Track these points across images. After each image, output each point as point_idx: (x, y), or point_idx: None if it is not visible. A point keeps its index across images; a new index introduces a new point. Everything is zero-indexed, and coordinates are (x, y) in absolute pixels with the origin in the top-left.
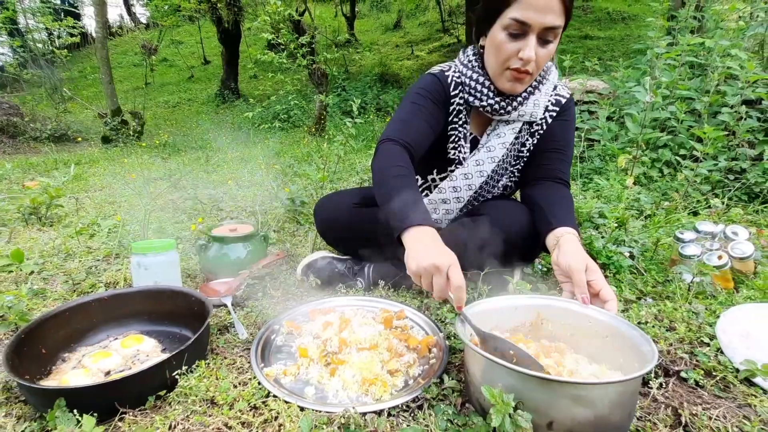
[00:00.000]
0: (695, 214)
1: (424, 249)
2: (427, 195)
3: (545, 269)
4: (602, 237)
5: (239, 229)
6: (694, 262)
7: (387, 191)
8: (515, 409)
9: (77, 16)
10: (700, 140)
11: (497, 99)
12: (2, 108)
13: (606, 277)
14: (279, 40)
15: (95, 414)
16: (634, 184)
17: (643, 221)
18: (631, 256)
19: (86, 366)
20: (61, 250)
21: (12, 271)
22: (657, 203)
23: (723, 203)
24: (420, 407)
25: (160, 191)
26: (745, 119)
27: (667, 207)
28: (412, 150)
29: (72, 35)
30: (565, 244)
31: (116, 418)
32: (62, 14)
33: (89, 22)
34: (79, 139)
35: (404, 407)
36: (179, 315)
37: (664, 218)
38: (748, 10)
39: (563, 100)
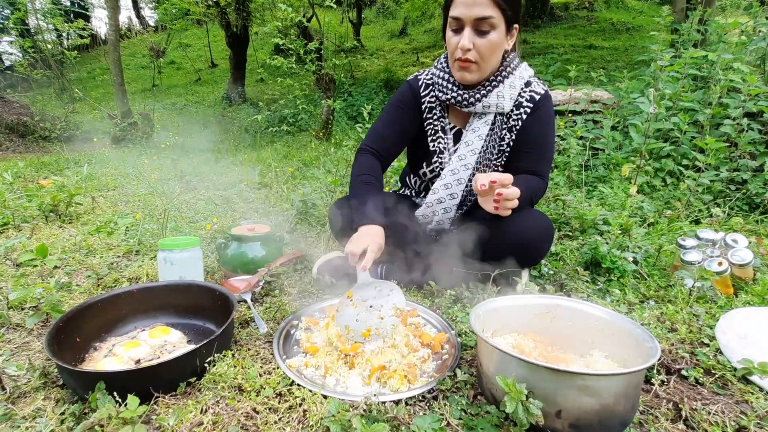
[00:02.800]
0: (697, 222)
1: (356, 237)
2: (423, 196)
3: (552, 271)
4: (606, 243)
5: (257, 229)
6: (695, 267)
7: (355, 193)
8: (527, 397)
9: (87, 18)
10: (702, 151)
11: (460, 92)
12: (13, 107)
13: (610, 281)
14: (288, 45)
15: (135, 396)
16: (638, 192)
17: (646, 229)
18: (635, 262)
19: (118, 354)
20: (82, 246)
21: (36, 266)
22: (660, 211)
23: (724, 213)
24: (435, 398)
25: (175, 191)
26: (747, 131)
27: (670, 215)
28: (383, 156)
29: (82, 37)
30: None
31: (152, 402)
32: (72, 16)
33: (99, 24)
34: (95, 139)
35: (420, 398)
36: (203, 309)
37: (666, 226)
38: (751, 24)
39: (537, 97)
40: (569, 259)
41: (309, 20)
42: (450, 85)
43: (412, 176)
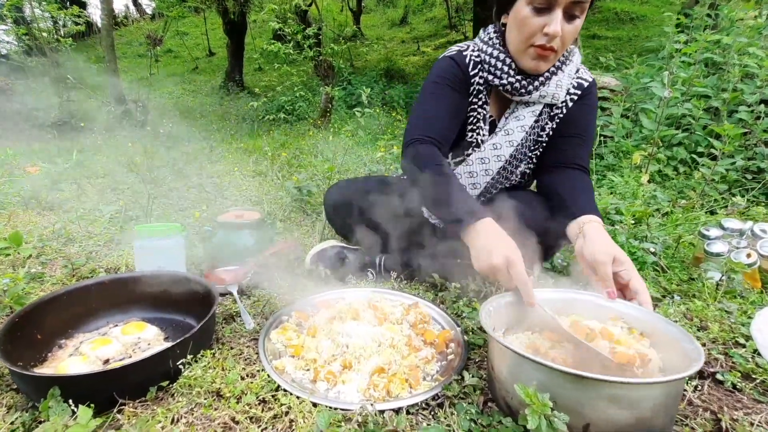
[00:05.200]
0: (712, 213)
1: (482, 248)
2: None
3: (565, 263)
4: (621, 233)
5: (246, 216)
6: (721, 259)
7: (435, 194)
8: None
9: (83, 5)
10: (717, 137)
11: (518, 78)
12: (6, 95)
13: None
14: (286, 30)
15: (92, 405)
16: (649, 181)
17: (660, 219)
18: (653, 254)
19: (84, 353)
20: (62, 234)
21: (9, 255)
22: (674, 201)
23: (745, 202)
24: (440, 405)
25: (166, 179)
26: (763, 118)
27: (685, 205)
28: (440, 145)
29: (77, 24)
30: (590, 233)
31: (115, 410)
32: (68, 2)
33: (95, 12)
34: (83, 124)
35: (424, 405)
36: (183, 302)
37: (682, 216)
38: (766, 9)
39: (585, 84)
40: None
41: (309, 5)
42: (507, 69)
43: None
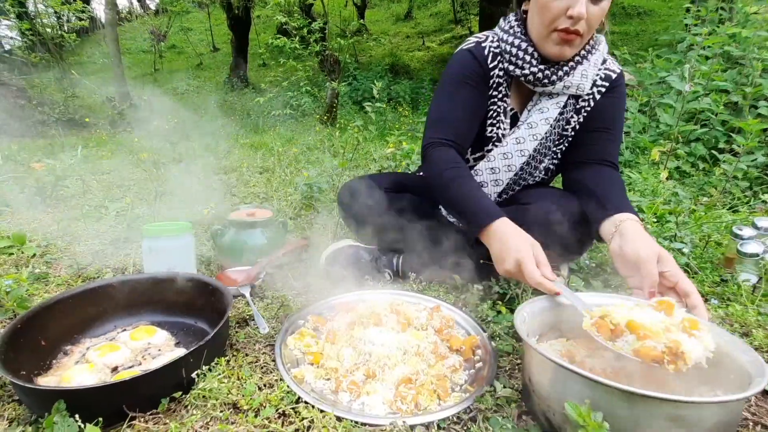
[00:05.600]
0: (735, 211)
1: (498, 252)
2: None
3: (593, 264)
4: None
5: (257, 214)
6: (757, 260)
7: (452, 197)
8: None
9: (87, 0)
10: (737, 132)
11: (541, 67)
12: (11, 91)
13: None
14: (291, 24)
15: (100, 418)
16: (667, 178)
17: (681, 218)
18: (683, 254)
19: (91, 361)
20: (67, 232)
21: (13, 254)
22: (695, 199)
23: None
24: (473, 419)
25: (172, 175)
26: None
27: (707, 203)
28: (459, 147)
29: (81, 19)
30: (628, 231)
31: (125, 424)
32: None
33: (98, 7)
34: (87, 119)
35: (455, 419)
36: (194, 305)
37: (705, 215)
38: None
39: (614, 75)
40: (606, 250)
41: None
42: (529, 58)
43: None
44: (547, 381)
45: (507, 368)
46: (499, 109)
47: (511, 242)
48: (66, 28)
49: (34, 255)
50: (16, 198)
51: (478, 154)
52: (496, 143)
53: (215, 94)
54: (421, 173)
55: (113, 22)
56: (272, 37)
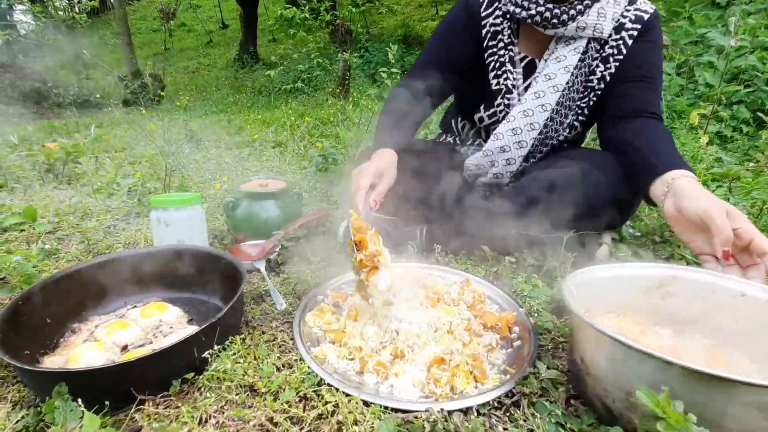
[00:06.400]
0: None
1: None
2: (480, 146)
3: (638, 233)
4: None
5: (271, 185)
6: None
7: (377, 125)
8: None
9: None
10: None
11: (549, 6)
12: (25, 74)
13: None
14: None
15: (107, 402)
16: (708, 144)
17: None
18: None
19: (99, 339)
20: (78, 208)
21: (24, 230)
22: (740, 164)
23: None
24: (516, 404)
25: (185, 151)
26: None
27: (753, 169)
28: (423, 95)
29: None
30: (684, 188)
31: (133, 408)
32: None
33: None
34: (99, 96)
35: (496, 404)
36: (207, 280)
37: (752, 181)
38: None
39: (646, 16)
40: (647, 219)
41: None
42: None
43: (460, 120)
44: (605, 362)
45: (549, 347)
46: (502, 59)
47: (370, 163)
48: (77, 9)
49: (46, 231)
50: (28, 175)
51: (491, 110)
52: (508, 96)
53: (226, 71)
54: (442, 140)
55: (122, 1)
56: (282, 8)
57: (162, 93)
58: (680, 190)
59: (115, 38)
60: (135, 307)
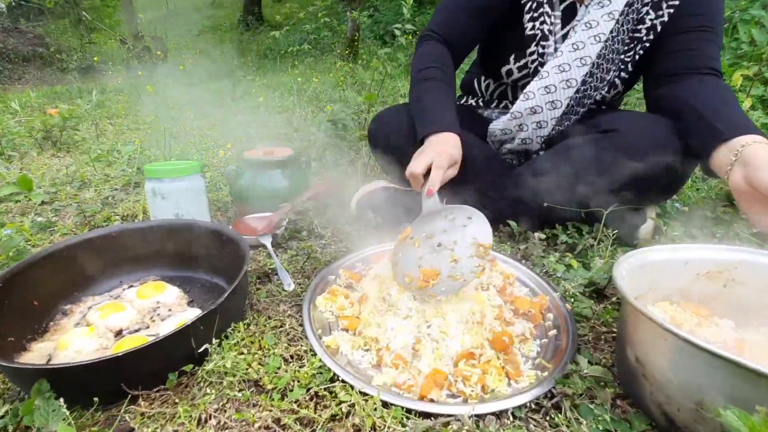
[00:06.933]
0: None
1: (417, 155)
2: (507, 108)
3: (685, 208)
4: None
5: (277, 152)
6: None
7: (416, 95)
8: None
9: None
10: None
11: None
12: (27, 38)
13: None
14: None
15: (96, 398)
16: (751, 108)
17: None
18: None
19: (92, 322)
20: (76, 177)
21: (19, 201)
22: None
23: None
24: (557, 406)
25: (188, 117)
26: None
27: None
28: (454, 46)
29: None
30: (758, 156)
31: (123, 407)
32: None
33: None
34: (96, 59)
35: (534, 406)
36: (209, 258)
37: None
38: None
39: None
40: (689, 191)
41: None
42: None
43: (483, 79)
44: (671, 365)
45: (588, 337)
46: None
47: (434, 150)
48: None
49: (42, 202)
50: (26, 143)
51: (522, 61)
52: (543, 43)
53: (231, 34)
54: (463, 102)
55: None
56: None
57: (161, 54)
58: (751, 159)
59: (117, 1)
60: (131, 286)
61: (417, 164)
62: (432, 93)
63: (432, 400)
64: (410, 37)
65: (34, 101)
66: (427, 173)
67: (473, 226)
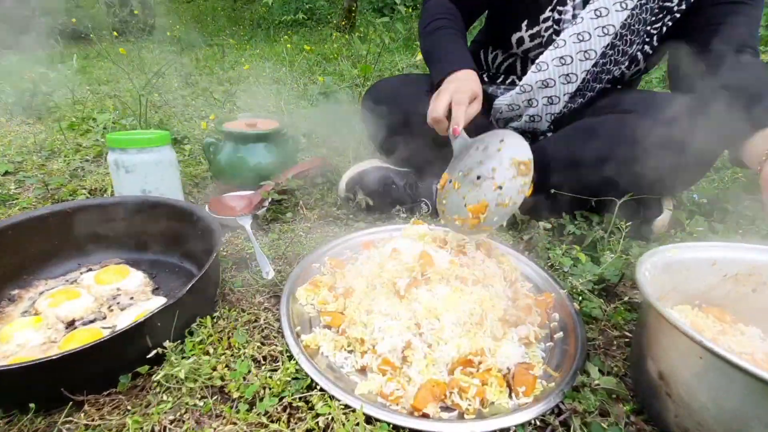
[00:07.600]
0: None
1: (436, 97)
2: (514, 84)
3: (704, 200)
4: None
5: (260, 125)
6: None
7: (429, 42)
8: None
9: None
10: None
11: None
12: (13, 0)
13: None
14: None
15: (34, 402)
16: None
17: None
18: None
19: (40, 311)
20: (44, 146)
21: None
22: None
23: None
24: (565, 424)
25: (172, 86)
26: None
27: None
28: (462, 6)
29: None
30: None
31: (62, 416)
32: None
33: None
34: (74, 21)
35: (539, 424)
36: (179, 240)
37: None
38: None
39: None
40: (704, 182)
41: None
42: None
43: (491, 50)
44: (704, 387)
45: (598, 342)
46: None
47: (452, 87)
48: None
49: (6, 172)
50: None
51: (535, 29)
52: (560, 8)
53: (223, 1)
54: None
55: None
56: None
57: (149, 20)
58: None
59: None
60: (90, 270)
61: (436, 106)
62: (443, 40)
63: (425, 415)
64: (410, 11)
65: (15, 66)
66: (449, 115)
67: (508, 148)
